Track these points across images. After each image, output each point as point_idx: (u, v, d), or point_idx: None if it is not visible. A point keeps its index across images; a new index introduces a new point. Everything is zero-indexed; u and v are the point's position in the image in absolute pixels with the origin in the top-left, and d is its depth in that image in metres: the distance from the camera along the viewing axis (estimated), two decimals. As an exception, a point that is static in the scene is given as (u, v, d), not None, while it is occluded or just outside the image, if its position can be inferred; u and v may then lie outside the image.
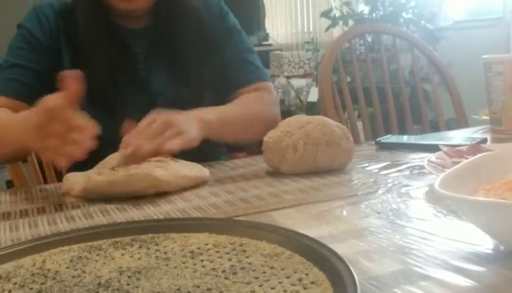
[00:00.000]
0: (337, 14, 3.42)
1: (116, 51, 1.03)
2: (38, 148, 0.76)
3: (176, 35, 1.06)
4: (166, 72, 1.05)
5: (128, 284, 0.41)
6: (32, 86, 1.00)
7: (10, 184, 1.69)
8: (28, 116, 0.79)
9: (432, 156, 0.75)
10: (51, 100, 0.73)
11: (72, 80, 0.72)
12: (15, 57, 1.02)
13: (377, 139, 1.03)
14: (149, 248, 0.48)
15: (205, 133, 0.90)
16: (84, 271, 0.44)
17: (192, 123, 0.88)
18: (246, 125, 1.03)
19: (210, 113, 0.94)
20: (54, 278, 0.43)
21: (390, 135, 1.10)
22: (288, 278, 0.40)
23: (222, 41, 1.11)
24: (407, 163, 0.84)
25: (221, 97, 1.12)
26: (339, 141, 0.81)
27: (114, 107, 1.00)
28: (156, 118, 0.84)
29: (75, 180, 0.74)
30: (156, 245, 0.49)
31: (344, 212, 0.60)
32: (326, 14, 3.48)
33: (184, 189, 0.75)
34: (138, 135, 0.81)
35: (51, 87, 1.01)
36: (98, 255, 0.47)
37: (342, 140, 0.81)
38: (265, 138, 0.83)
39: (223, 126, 0.95)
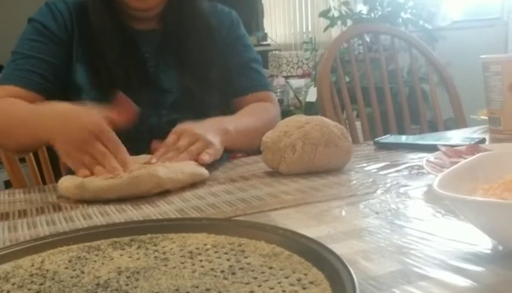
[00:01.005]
0: (336, 14, 3.42)
1: (126, 50, 1.05)
2: (71, 158, 0.79)
3: (184, 37, 1.08)
4: (174, 72, 1.08)
5: (126, 285, 0.41)
6: (47, 79, 1.01)
7: (8, 184, 1.69)
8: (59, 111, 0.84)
9: (431, 156, 0.75)
10: (107, 113, 0.80)
11: (129, 103, 0.82)
12: (29, 49, 1.01)
13: (376, 139, 1.03)
14: (147, 249, 0.48)
15: (225, 144, 0.92)
16: (83, 272, 0.44)
17: (215, 135, 0.90)
18: (256, 136, 1.03)
19: (228, 123, 0.96)
20: (53, 279, 0.43)
21: (388, 135, 1.10)
22: (286, 278, 0.40)
23: (230, 48, 1.15)
24: (406, 163, 0.84)
25: (226, 100, 1.15)
26: (338, 141, 0.81)
27: None
28: (182, 131, 0.86)
29: (72, 184, 0.73)
30: (155, 245, 0.49)
31: (343, 212, 0.60)
32: (324, 14, 3.48)
33: (184, 187, 0.76)
34: (167, 150, 0.83)
35: (64, 81, 1.02)
36: (97, 255, 0.47)
37: (341, 140, 0.81)
38: (264, 139, 0.83)
39: (238, 137, 0.96)
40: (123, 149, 0.80)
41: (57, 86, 1.03)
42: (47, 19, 1.03)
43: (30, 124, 0.87)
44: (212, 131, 0.90)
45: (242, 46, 1.18)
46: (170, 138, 0.86)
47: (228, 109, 1.19)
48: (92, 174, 0.76)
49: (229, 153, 1.20)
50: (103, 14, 1.04)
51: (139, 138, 0.88)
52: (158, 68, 1.08)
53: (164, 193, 0.73)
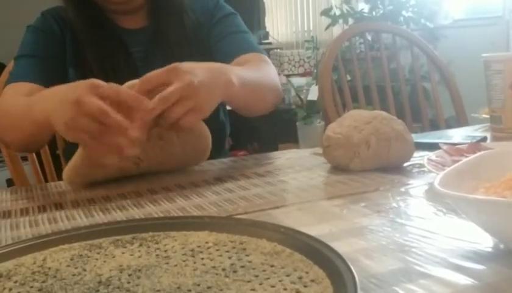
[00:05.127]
0: (337, 12, 3.42)
1: (112, 49, 1.04)
2: (75, 139, 0.72)
3: (171, 35, 1.06)
4: None
5: (128, 282, 0.41)
6: (53, 75, 1.00)
7: (10, 183, 1.70)
8: (63, 91, 0.75)
9: (432, 154, 0.75)
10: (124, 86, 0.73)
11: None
12: (32, 50, 1.03)
13: (377, 137, 1.02)
14: (149, 247, 0.48)
15: (224, 98, 0.82)
16: (84, 270, 0.44)
17: (214, 90, 0.78)
18: (261, 93, 0.96)
19: (232, 74, 0.83)
20: (55, 276, 0.43)
21: (390, 134, 1.10)
22: (288, 276, 0.40)
23: (216, 29, 1.11)
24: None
25: None
26: (405, 135, 0.79)
27: None
28: (177, 73, 0.73)
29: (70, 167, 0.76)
30: (157, 243, 0.49)
31: (344, 211, 0.60)
32: (326, 12, 3.48)
33: (184, 186, 0.76)
34: (152, 86, 0.73)
35: (63, 79, 1.02)
36: (98, 253, 0.47)
37: (407, 134, 0.79)
38: (330, 134, 0.79)
39: (243, 92, 0.85)
40: (110, 111, 0.68)
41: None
42: (44, 25, 1.06)
43: (31, 111, 0.83)
44: (213, 83, 0.78)
45: (228, 20, 1.12)
46: (161, 76, 0.74)
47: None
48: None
49: (229, 151, 1.19)
50: (79, 10, 1.04)
51: None
52: (149, 68, 1.01)
53: (165, 190, 0.74)
